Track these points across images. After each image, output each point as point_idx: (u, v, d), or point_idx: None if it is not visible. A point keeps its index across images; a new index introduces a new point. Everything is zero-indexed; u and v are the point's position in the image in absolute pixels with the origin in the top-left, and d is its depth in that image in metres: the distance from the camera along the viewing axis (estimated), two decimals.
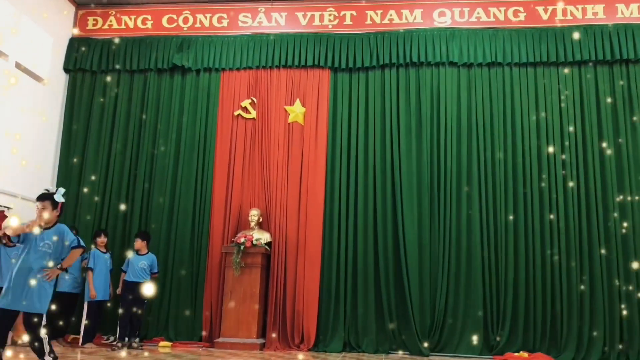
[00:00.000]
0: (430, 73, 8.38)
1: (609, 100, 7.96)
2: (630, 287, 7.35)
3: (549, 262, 7.58)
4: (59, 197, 4.71)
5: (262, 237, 7.82)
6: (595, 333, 7.27)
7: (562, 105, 8.02)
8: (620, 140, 7.80)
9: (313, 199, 8.12)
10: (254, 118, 8.55)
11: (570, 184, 7.76)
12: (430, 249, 7.84)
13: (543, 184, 7.82)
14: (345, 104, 8.44)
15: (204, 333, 7.78)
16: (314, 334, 7.65)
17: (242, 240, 7.60)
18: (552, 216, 7.70)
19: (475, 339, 7.43)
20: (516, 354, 7.19)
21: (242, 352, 7.08)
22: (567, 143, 7.89)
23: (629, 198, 7.61)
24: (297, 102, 8.49)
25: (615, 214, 7.57)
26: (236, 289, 7.54)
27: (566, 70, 8.11)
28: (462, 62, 8.29)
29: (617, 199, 7.62)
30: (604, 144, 7.82)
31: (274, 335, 7.62)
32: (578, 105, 8.01)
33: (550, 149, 7.89)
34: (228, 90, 8.67)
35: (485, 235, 7.78)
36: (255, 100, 8.59)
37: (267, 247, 7.83)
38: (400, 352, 7.49)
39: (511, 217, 7.76)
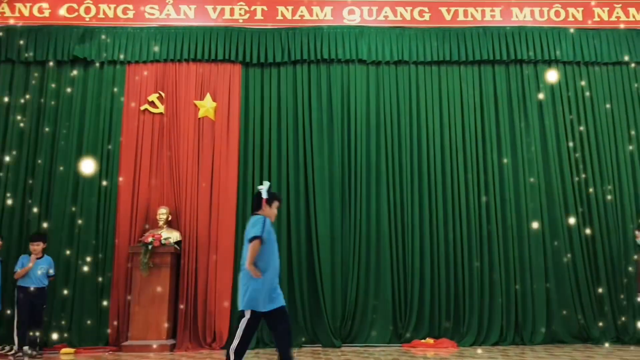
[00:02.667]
0: (340, 70, 8.50)
1: (505, 99, 8.47)
2: (526, 275, 7.90)
3: (451, 256, 7.97)
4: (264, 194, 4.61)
5: (172, 235, 7.62)
6: (494, 318, 7.77)
7: (464, 103, 8.43)
8: (515, 137, 8.37)
9: (225, 195, 8.02)
10: (162, 113, 8.29)
11: (471, 179, 8.19)
12: (342, 243, 8.00)
13: (447, 180, 8.19)
14: (257, 99, 8.39)
15: (109, 331, 7.48)
16: (227, 331, 7.56)
17: (150, 239, 7.37)
18: (454, 211, 8.10)
19: (384, 328, 7.68)
20: (423, 340, 7.50)
21: (151, 354, 6.88)
22: (468, 140, 8.32)
23: (522, 189, 8.16)
24: (208, 97, 8.32)
25: (512, 206, 8.10)
26: (144, 290, 7.31)
27: (467, 69, 8.56)
28: (370, 60, 8.48)
29: (512, 191, 8.16)
30: (502, 141, 8.33)
31: (184, 335, 7.47)
32: (478, 104, 8.46)
33: (452, 146, 8.29)
34: (134, 84, 8.34)
35: (394, 229, 8.04)
36: (163, 94, 8.33)
37: (176, 246, 7.64)
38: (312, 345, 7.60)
39: (417, 211, 8.08)
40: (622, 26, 8.76)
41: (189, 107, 8.30)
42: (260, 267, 4.35)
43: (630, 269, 7.88)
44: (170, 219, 7.85)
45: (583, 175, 8.27)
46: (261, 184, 4.80)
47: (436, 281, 7.89)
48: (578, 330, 7.79)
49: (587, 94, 8.54)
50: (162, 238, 7.45)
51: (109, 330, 7.54)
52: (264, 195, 4.55)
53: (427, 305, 7.80)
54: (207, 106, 8.28)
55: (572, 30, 8.67)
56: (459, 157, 8.28)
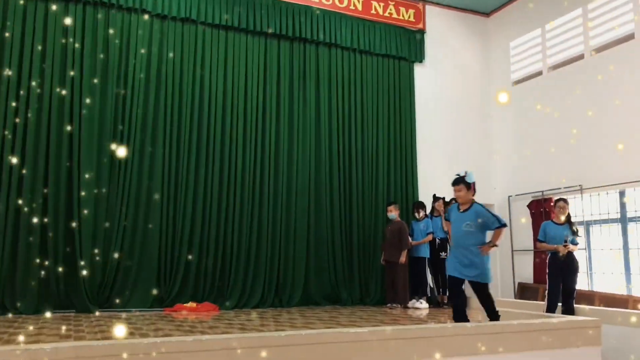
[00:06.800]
0: (121, 17, 7.88)
1: (287, 73, 8.81)
2: (290, 242, 8.42)
3: (222, 221, 8.10)
4: (470, 179, 5.25)
5: None
6: (256, 282, 8.15)
7: (248, 73, 8.54)
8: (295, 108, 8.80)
9: None
10: None
11: (248, 147, 8.38)
12: (108, 204, 7.52)
13: (225, 145, 8.25)
14: (17, 34, 7.26)
15: None
16: None
17: None
18: (230, 178, 8.21)
19: (146, 292, 7.49)
20: (185, 304, 7.50)
21: None
22: (249, 109, 8.47)
23: (294, 162, 8.64)
24: None
25: (285, 176, 8.53)
26: None
27: (254, 40, 8.66)
28: (155, 11, 8.02)
29: (285, 163, 8.59)
30: (281, 114, 8.67)
31: None
32: (262, 75, 8.65)
33: (234, 113, 8.36)
34: None
35: (166, 191, 7.83)
36: None
37: None
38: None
39: (193, 174, 7.99)
40: (392, 22, 9.75)
41: None
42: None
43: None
44: None
45: (347, 153, 9.07)
46: None
47: (205, 245, 7.94)
48: (330, 293, 8.60)
49: (359, 79, 9.34)
50: None
51: None
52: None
53: (194, 268, 7.81)
54: None
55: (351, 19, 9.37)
56: (239, 125, 8.39)
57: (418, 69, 9.96)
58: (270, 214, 8.41)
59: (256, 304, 8.01)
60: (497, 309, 5.35)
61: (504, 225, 5.36)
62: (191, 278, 7.78)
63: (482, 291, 5.35)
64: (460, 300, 5.51)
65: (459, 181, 5.36)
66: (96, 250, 7.32)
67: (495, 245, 5.33)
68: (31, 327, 5.45)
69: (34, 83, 7.26)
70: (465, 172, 5.36)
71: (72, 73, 7.47)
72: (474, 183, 5.34)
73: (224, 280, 8.01)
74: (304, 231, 8.58)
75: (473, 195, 5.41)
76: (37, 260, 7.01)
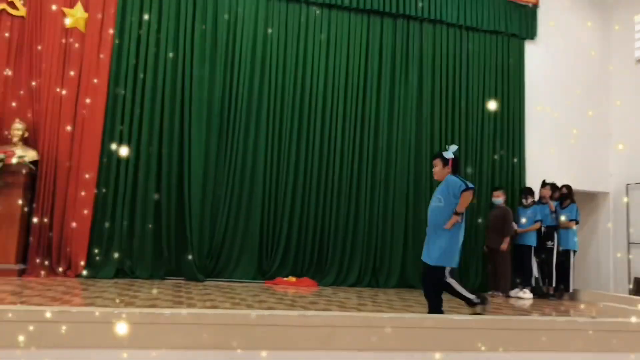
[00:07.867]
0: None
1: (390, 52, 8.65)
2: (388, 222, 8.38)
3: (322, 199, 8.20)
4: (448, 154, 4.88)
5: (27, 154, 6.98)
6: (354, 261, 8.21)
7: (350, 51, 8.50)
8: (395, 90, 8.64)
9: (91, 118, 7.42)
10: (23, 16, 7.38)
11: (348, 126, 8.38)
12: (215, 177, 7.87)
13: (325, 124, 8.31)
14: (135, 17, 7.74)
15: None
16: (84, 260, 7.21)
17: (1, 156, 6.69)
18: (329, 156, 8.28)
19: (249, 265, 7.79)
20: (285, 278, 7.73)
21: None
22: (350, 88, 8.44)
23: (394, 143, 8.52)
24: (79, 6, 7.52)
25: (384, 157, 8.45)
26: None
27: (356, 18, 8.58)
28: None
29: (384, 143, 8.49)
30: (381, 93, 8.56)
31: (36, 261, 7.00)
32: (364, 53, 8.57)
33: (335, 92, 8.37)
34: None
35: (269, 168, 8.05)
36: None
37: (32, 165, 7.02)
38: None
39: (294, 153, 8.14)
40: None
41: (56, 14, 7.46)
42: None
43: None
44: (26, 136, 7.15)
45: (450, 135, 8.79)
46: None
47: (304, 221, 8.10)
48: None
49: (464, 58, 8.98)
50: (15, 155, 6.79)
51: None
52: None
53: (294, 244, 8.01)
54: (77, 16, 7.50)
55: None
56: (340, 104, 8.40)
57: (529, 46, 9.40)
58: (368, 195, 8.39)
59: (353, 282, 8.08)
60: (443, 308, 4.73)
61: (470, 188, 4.69)
62: (291, 253, 7.98)
63: (432, 276, 4.74)
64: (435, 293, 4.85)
65: (437, 156, 4.97)
66: (204, 222, 7.71)
67: (458, 214, 4.66)
68: (148, 292, 5.87)
69: (150, 62, 7.70)
70: (448, 147, 4.94)
71: (184, 53, 7.82)
72: (452, 159, 4.84)
73: (322, 257, 8.14)
74: (402, 214, 8.48)
75: (453, 172, 4.88)
76: (151, 231, 7.52)
